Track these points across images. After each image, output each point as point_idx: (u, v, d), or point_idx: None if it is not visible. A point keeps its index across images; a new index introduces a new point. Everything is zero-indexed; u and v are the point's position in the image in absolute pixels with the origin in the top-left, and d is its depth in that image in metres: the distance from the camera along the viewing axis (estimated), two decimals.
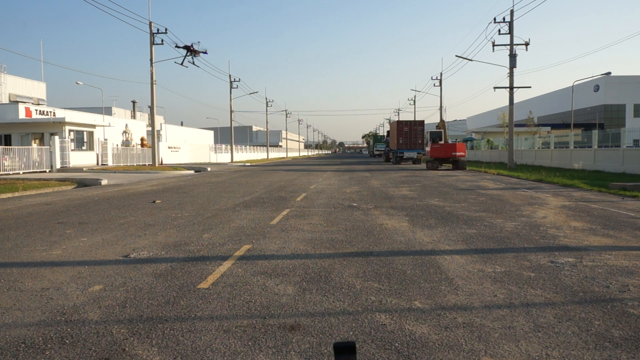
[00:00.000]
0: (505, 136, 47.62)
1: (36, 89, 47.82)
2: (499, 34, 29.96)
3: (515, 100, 32.89)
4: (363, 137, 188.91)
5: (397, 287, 5.00)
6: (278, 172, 30.56)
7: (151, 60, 33.04)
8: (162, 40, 33.04)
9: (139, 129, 47.34)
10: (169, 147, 47.94)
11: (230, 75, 54.29)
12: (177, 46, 33.48)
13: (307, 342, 3.62)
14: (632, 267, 5.72)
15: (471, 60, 35.19)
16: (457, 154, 31.89)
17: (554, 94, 79.68)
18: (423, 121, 42.30)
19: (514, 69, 30.11)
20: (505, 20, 29.84)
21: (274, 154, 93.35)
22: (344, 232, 8.21)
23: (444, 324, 3.95)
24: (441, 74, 51.56)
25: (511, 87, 30.54)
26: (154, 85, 33.52)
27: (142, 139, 45.03)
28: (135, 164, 38.09)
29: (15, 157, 26.19)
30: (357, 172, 29.03)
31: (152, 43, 32.88)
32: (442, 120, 39.59)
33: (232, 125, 57.27)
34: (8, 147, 26.45)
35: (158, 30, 32.96)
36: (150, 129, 46.14)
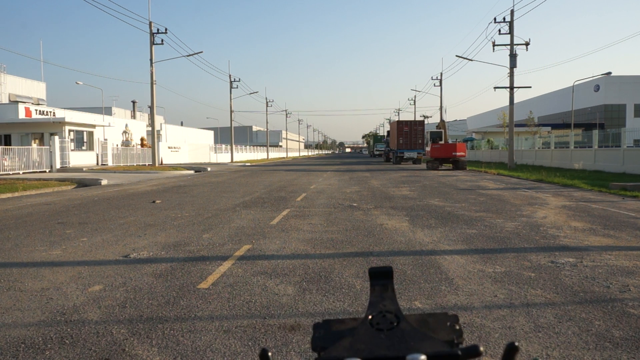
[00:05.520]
0: (506, 136, 47.60)
1: (36, 89, 47.79)
2: (499, 33, 29.96)
3: (516, 100, 32.89)
4: (363, 137, 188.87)
5: (397, 287, 4.99)
6: (278, 172, 30.55)
7: (151, 60, 33.05)
8: (162, 40, 33.07)
9: (139, 129, 47.32)
10: (169, 147, 47.94)
11: (230, 75, 54.32)
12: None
13: (307, 342, 3.62)
14: (632, 267, 5.71)
15: (471, 60, 35.20)
16: (457, 154, 31.87)
17: (554, 94, 79.62)
18: (423, 121, 42.32)
19: (514, 68, 30.10)
20: (506, 20, 29.83)
21: (274, 154, 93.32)
22: (344, 232, 8.21)
23: None
24: (441, 74, 51.55)
25: (511, 87, 30.53)
26: (154, 85, 33.53)
27: (142, 139, 45.01)
28: (135, 164, 38.08)
29: (15, 157, 26.17)
30: (357, 172, 29.03)
31: (152, 43, 32.88)
32: (442, 120, 39.58)
33: (232, 125, 57.25)
34: (8, 147, 26.44)
35: (158, 30, 32.98)
36: (150, 129, 46.10)
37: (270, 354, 0.76)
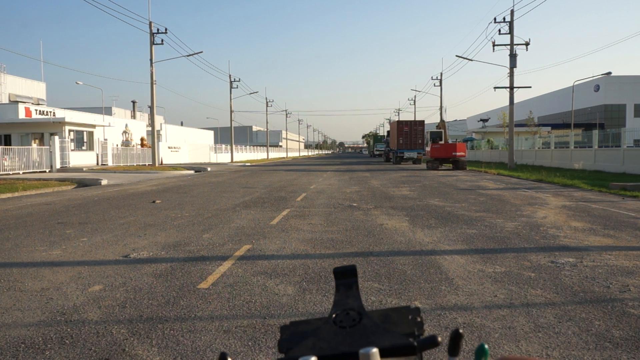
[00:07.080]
0: (506, 136, 47.60)
1: (36, 89, 47.77)
2: (499, 33, 29.96)
3: (516, 100, 32.88)
4: (363, 137, 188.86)
5: (397, 287, 4.99)
6: (278, 172, 30.55)
7: (151, 60, 33.05)
8: (162, 40, 33.07)
9: (139, 129, 47.32)
10: (169, 147, 47.93)
11: (230, 75, 54.31)
12: None
13: None
14: (632, 267, 5.71)
15: (471, 60, 35.20)
16: (457, 154, 31.87)
17: (554, 94, 79.61)
18: (423, 121, 42.27)
19: (514, 68, 30.10)
20: (506, 20, 29.84)
21: (274, 154, 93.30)
22: (344, 232, 8.21)
23: (444, 324, 3.95)
24: (441, 74, 51.53)
25: (511, 87, 30.53)
26: (154, 85, 33.53)
27: (142, 139, 45.01)
28: (135, 164, 38.08)
29: (15, 157, 26.18)
30: (357, 172, 29.02)
31: (152, 43, 32.88)
32: (442, 120, 39.58)
33: (232, 125, 57.25)
34: (8, 147, 26.45)
35: (158, 30, 32.98)
36: (150, 129, 46.08)
37: (229, 359, 0.77)
